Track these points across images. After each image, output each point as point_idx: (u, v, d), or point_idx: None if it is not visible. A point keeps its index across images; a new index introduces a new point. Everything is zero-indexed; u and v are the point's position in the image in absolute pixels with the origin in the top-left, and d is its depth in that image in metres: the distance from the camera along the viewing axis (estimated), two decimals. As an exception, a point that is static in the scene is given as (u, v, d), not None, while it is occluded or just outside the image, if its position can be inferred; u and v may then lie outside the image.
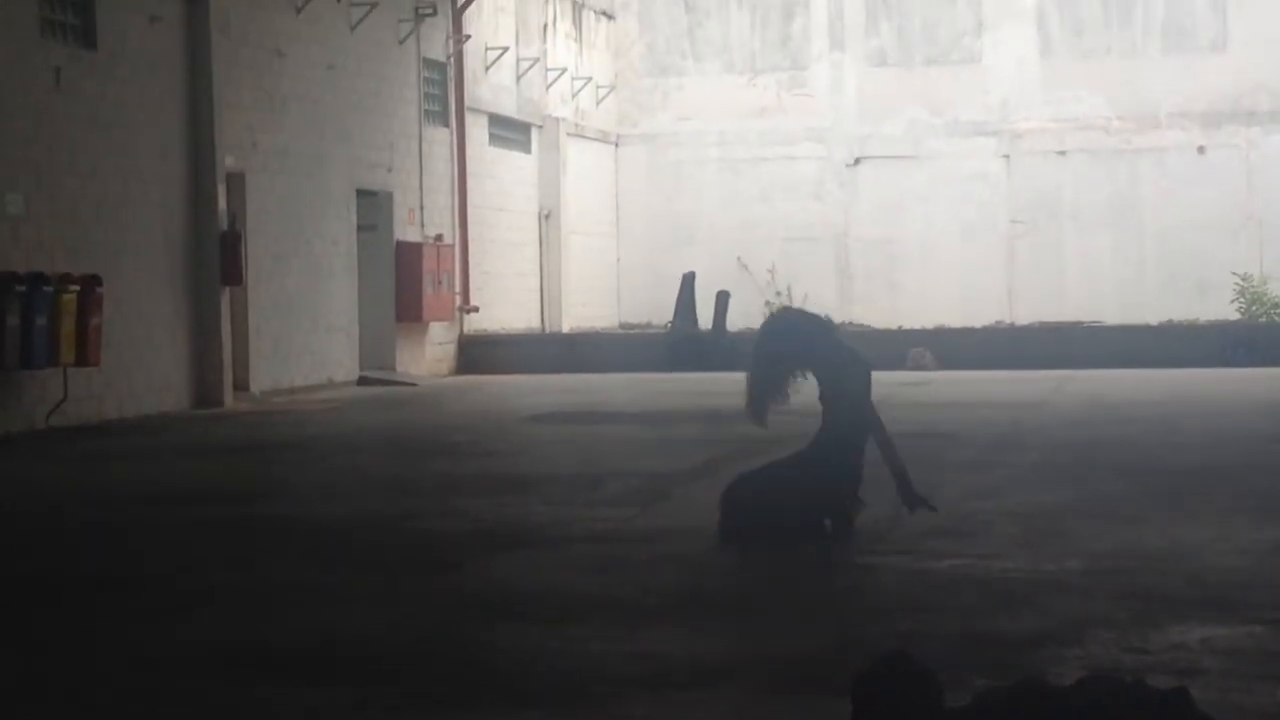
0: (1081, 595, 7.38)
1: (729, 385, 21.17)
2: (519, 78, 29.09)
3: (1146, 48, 31.69)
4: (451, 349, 26.68)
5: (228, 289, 20.24)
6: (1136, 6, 31.67)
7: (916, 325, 28.95)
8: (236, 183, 20.78)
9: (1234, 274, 29.85)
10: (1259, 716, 5.36)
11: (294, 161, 22.14)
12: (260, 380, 21.28)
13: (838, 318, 33.26)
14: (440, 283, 25.40)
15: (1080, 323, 29.32)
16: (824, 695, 5.54)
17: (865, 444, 9.06)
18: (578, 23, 31.91)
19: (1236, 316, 29.03)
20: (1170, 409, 17.65)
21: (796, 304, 32.13)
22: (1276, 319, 28.63)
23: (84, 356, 17.20)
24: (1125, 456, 13.17)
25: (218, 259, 19.97)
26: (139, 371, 18.91)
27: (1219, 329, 27.02)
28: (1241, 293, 29.48)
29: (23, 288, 16.53)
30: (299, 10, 22.18)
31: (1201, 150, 31.47)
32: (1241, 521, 9.46)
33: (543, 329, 29.79)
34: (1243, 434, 14.92)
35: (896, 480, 8.95)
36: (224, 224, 20.17)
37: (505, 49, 28.38)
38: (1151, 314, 30.01)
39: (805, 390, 9.16)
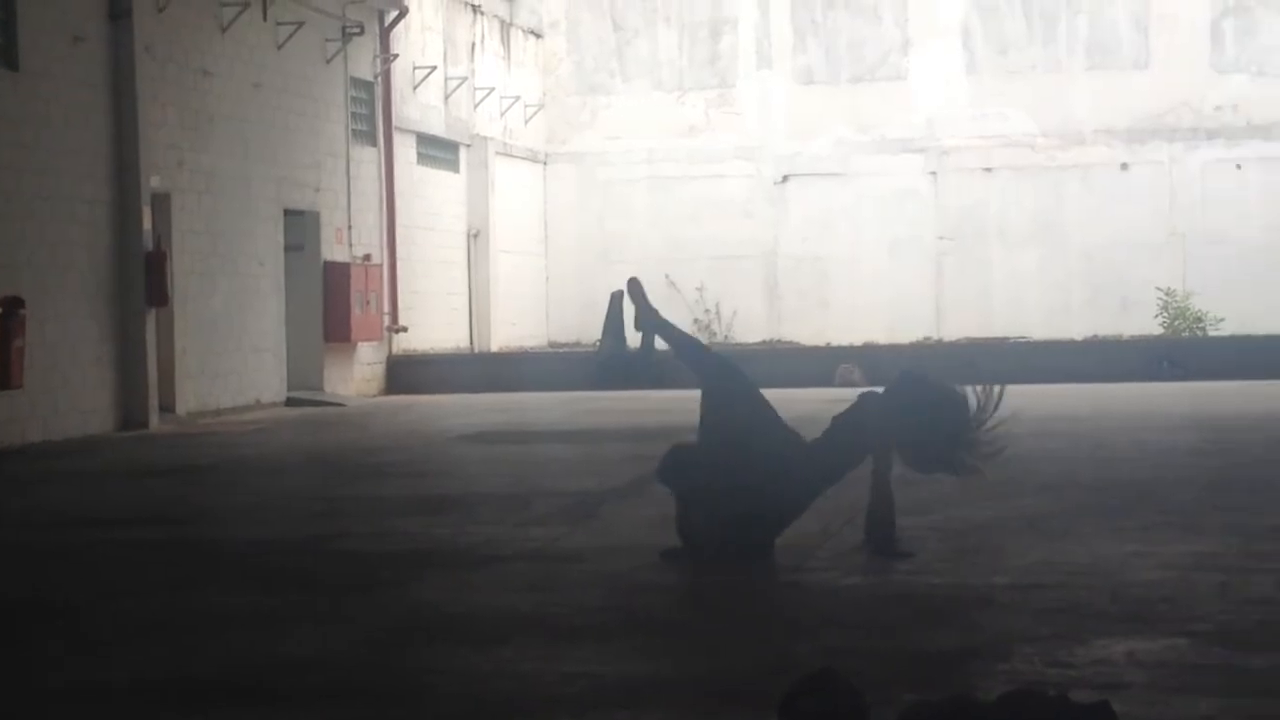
0: (1007, 610, 7.43)
1: (658, 403, 21.22)
2: (447, 97, 29.08)
3: (1070, 65, 31.98)
4: (380, 369, 26.63)
5: (153, 310, 20.14)
6: (1060, 24, 31.96)
7: (845, 342, 29.12)
8: (162, 203, 20.69)
9: (1158, 289, 30.17)
10: (1182, 729, 5.42)
11: (220, 181, 22.06)
12: (186, 401, 21.18)
13: (767, 335, 33.54)
14: (368, 302, 25.35)
15: (1007, 338, 29.56)
16: (754, 713, 5.56)
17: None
18: (506, 41, 31.93)
19: (1160, 331, 29.35)
20: (1095, 424, 17.81)
21: (725, 321, 32.24)
22: (1200, 334, 28.95)
23: (6, 379, 17.08)
24: (1051, 471, 13.26)
25: (143, 280, 19.88)
26: (63, 393, 18.78)
27: (1143, 344, 27.32)
28: (1165, 308, 29.81)
29: (-55, 310, 16.42)
30: (224, 29, 22.11)
31: (1125, 167, 31.78)
32: (1165, 535, 9.55)
33: (472, 348, 29.77)
34: (1167, 448, 15.06)
35: (878, 531, 8.78)
36: (149, 244, 20.07)
37: (433, 68, 28.37)
38: (1077, 329, 30.31)
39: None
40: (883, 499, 8.73)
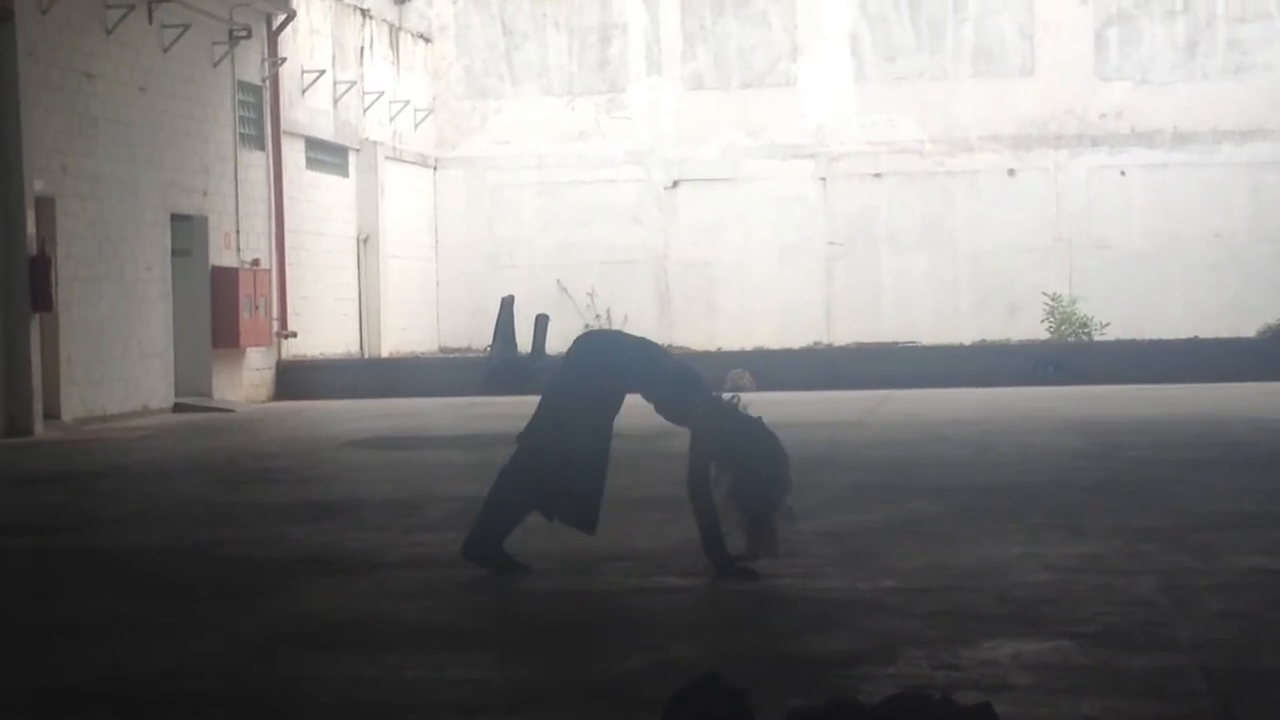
0: (895, 614, 7.47)
1: (549, 408, 21.20)
2: (336, 101, 28.91)
3: (957, 72, 32.24)
4: (269, 374, 26.42)
5: (37, 315, 19.86)
6: (947, 32, 32.21)
7: (735, 347, 29.20)
8: (46, 207, 20.42)
9: (1044, 294, 30.47)
10: (1064, 730, 5.46)
11: (105, 185, 21.80)
12: (72, 408, 20.91)
13: (658, 340, 33.64)
14: (257, 308, 25.14)
15: (896, 343, 29.77)
16: (640, 717, 5.55)
17: None
18: (395, 45, 31.78)
19: (1046, 335, 29.65)
20: (983, 427, 17.95)
21: (616, 326, 32.23)
22: (1085, 338, 29.28)
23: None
24: (939, 475, 13.36)
25: (27, 284, 19.60)
26: (-55, 400, 18.49)
27: (1030, 348, 27.62)
28: (1051, 312, 30.11)
29: None
30: (109, 31, 21.86)
31: (1011, 173, 32.08)
32: (1050, 538, 9.63)
33: (362, 353, 29.60)
34: (1052, 451, 15.21)
35: (713, 550, 8.53)
36: (33, 249, 19.80)
37: (321, 72, 28.19)
38: (965, 334, 30.55)
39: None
40: (707, 512, 8.44)
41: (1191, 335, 28.33)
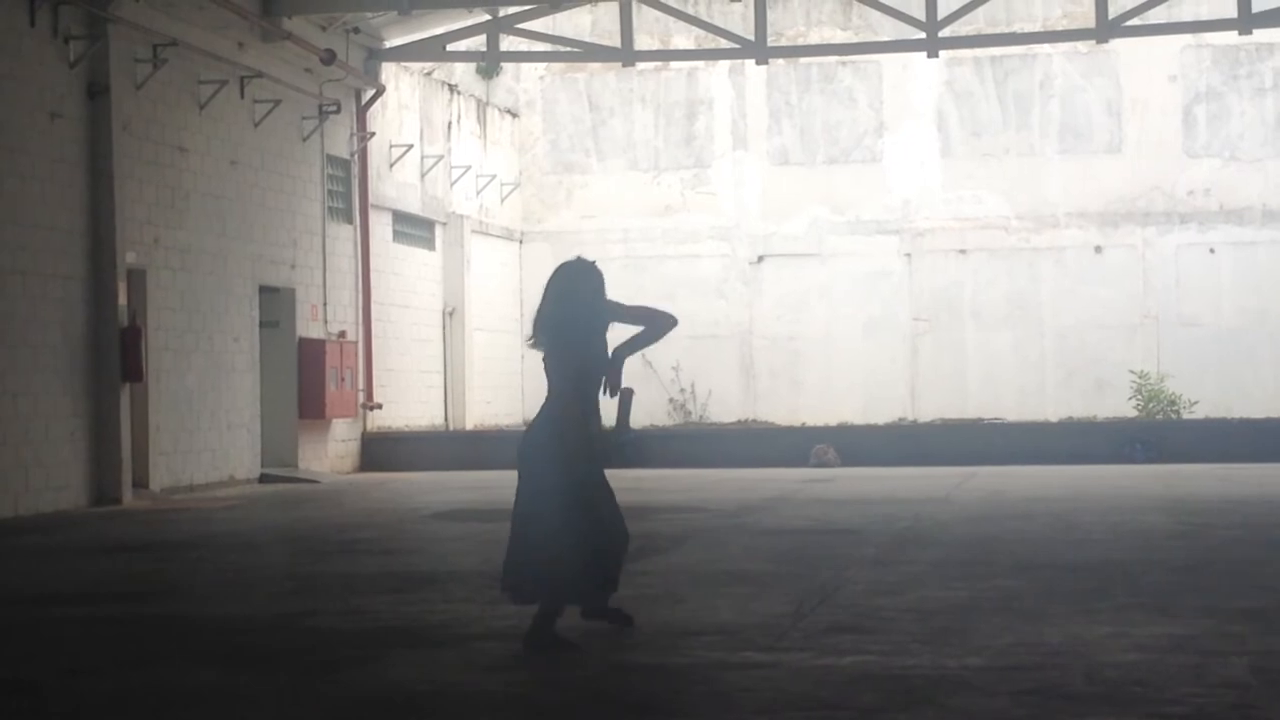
0: (982, 692, 7.40)
1: (630, 482, 21.18)
2: (423, 175, 29.15)
3: (1044, 149, 32.18)
4: (355, 446, 26.56)
5: (128, 385, 20.06)
6: (1034, 109, 32.17)
7: (820, 422, 29.13)
8: (137, 279, 20.66)
9: (1131, 372, 30.25)
10: (1156, 812, 5.39)
11: (196, 258, 22.04)
12: (160, 477, 21.08)
13: (742, 415, 33.52)
14: (343, 379, 25.31)
15: (981, 420, 29.60)
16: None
17: None
18: (482, 120, 32.04)
19: (1134, 413, 29.40)
20: (1069, 505, 17.80)
21: (701, 400, 32.25)
22: (1173, 416, 29.01)
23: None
24: (1025, 553, 13.25)
25: (118, 355, 19.82)
26: (36, 469, 18.68)
27: (1117, 426, 27.37)
28: (1139, 390, 29.88)
29: (-83, 384, 16.34)
30: (202, 107, 22.16)
31: (1099, 250, 31.94)
32: (1138, 617, 9.53)
33: (446, 426, 29.71)
34: (1140, 530, 15.05)
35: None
36: (124, 320, 20.03)
37: (409, 146, 28.45)
38: (1051, 411, 30.37)
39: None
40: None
41: (1282, 414, 28.04)
